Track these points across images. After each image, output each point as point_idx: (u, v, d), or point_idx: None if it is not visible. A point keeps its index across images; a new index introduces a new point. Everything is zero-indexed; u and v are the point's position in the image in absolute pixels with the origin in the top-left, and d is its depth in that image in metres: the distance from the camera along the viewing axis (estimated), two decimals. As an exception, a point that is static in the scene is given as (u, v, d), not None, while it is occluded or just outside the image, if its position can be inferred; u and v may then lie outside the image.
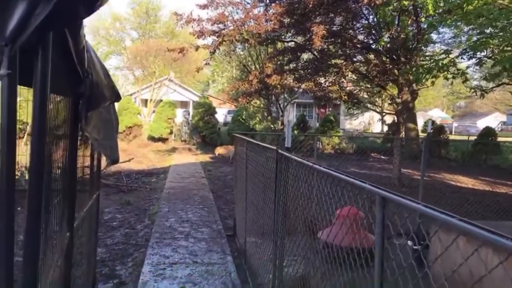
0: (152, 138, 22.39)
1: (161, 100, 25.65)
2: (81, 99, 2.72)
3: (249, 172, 5.29)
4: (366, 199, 1.97)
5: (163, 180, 11.76)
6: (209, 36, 12.75)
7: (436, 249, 4.33)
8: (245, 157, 5.54)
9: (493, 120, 44.58)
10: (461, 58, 10.35)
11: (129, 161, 12.77)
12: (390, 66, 12.60)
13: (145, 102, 32.88)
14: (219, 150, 18.06)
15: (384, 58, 13.09)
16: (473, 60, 10.43)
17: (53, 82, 1.73)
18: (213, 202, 8.87)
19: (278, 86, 13.32)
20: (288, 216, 3.53)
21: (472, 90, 10.88)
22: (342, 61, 13.53)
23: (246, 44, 14.40)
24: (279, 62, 13.95)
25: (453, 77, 9.56)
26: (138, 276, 4.70)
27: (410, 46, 12.34)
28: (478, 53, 9.63)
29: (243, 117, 19.51)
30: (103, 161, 4.56)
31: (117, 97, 3.98)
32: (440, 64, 9.22)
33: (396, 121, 15.33)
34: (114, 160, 4.35)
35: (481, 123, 37.93)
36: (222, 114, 32.92)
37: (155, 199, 9.08)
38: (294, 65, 14.09)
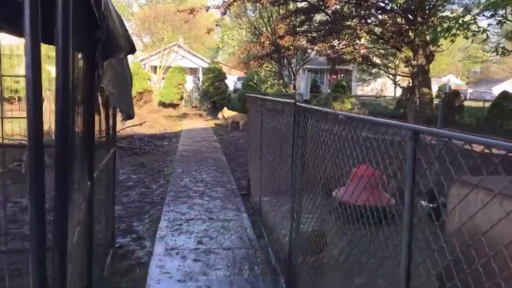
0: (163, 104, 22.34)
1: (170, 67, 25.38)
2: (97, 46, 2.64)
3: (264, 130, 5.23)
4: (395, 138, 1.89)
5: (176, 143, 11.80)
6: (220, -4, 12.38)
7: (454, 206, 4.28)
8: (259, 115, 5.47)
9: (509, 86, 43.50)
10: (482, 15, 9.92)
11: (141, 125, 12.78)
12: (406, 27, 12.18)
13: (154, 69, 32.59)
14: (226, 114, 15.82)
15: (399, 19, 12.64)
16: (493, 20, 10.02)
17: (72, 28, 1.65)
18: (226, 164, 8.89)
19: (291, 47, 13.03)
20: (306, 169, 3.48)
21: (493, 50, 10.50)
22: (357, 22, 13.11)
23: (258, 5, 14.00)
24: (291, 24, 13.58)
25: (474, 35, 9.19)
26: (155, 231, 4.76)
27: (427, 6, 11.87)
28: (499, 10, 9.22)
29: (254, 81, 19.25)
30: (118, 117, 4.52)
31: (132, 49, 3.88)
32: (460, 21, 8.85)
33: (411, 84, 15.00)
34: (129, 115, 4.30)
35: (497, 90, 37.02)
36: (232, 81, 32.59)
37: (169, 161, 9.12)
38: (307, 26, 13.70)
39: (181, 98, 23.01)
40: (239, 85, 29.70)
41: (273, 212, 4.46)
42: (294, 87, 18.54)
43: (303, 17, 13.10)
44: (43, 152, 1.39)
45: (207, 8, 12.66)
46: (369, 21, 13.13)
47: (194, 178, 7.45)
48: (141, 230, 4.88)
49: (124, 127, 11.19)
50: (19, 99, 18.16)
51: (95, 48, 2.54)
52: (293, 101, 3.85)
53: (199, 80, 26.17)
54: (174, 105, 22.47)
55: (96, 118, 2.98)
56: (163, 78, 25.38)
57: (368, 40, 15.81)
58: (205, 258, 4.00)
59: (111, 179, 4.30)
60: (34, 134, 1.37)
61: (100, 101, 3.33)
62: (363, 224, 2.24)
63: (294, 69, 20.41)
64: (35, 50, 1.37)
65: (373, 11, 13.00)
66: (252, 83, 19.71)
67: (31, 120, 1.36)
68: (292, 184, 3.61)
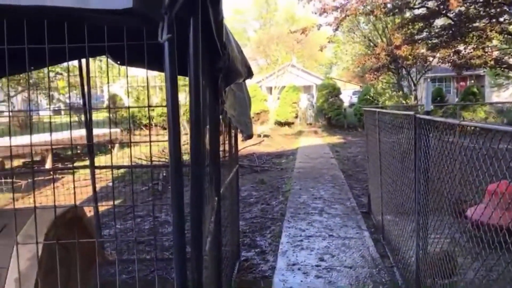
0: (279, 123, 23.06)
1: (284, 87, 26.16)
2: (220, 74, 2.92)
3: (383, 144, 5.05)
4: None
5: (292, 161, 12.04)
6: (331, 13, 12.44)
7: None
8: (377, 129, 5.31)
9: None
10: None
11: (260, 144, 13.40)
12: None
13: (269, 89, 33.93)
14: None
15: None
16: None
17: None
18: (344, 181, 8.74)
19: (409, 57, 12.34)
20: (431, 185, 3.26)
21: None
22: (486, 23, 11.84)
23: (371, 17, 13.67)
24: (408, 32, 12.90)
25: None
26: (277, 246, 4.92)
27: None
28: None
29: (371, 94, 18.65)
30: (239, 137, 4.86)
31: (250, 73, 4.17)
32: None
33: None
34: (248, 135, 4.59)
35: None
36: (347, 95, 32.08)
37: (287, 178, 9.35)
38: (427, 33, 12.86)
39: (296, 116, 23.47)
40: (354, 100, 29.06)
41: (397, 230, 4.25)
42: (416, 98, 17.40)
43: (421, 24, 12.35)
44: (181, 171, 1.60)
45: (319, 27, 12.82)
46: (501, 19, 11.74)
47: (312, 195, 7.50)
48: (263, 245, 5.09)
49: (244, 147, 11.86)
50: (155, 125, 20.66)
51: (218, 76, 2.83)
52: (413, 113, 3.68)
53: (313, 97, 26.40)
54: (289, 124, 23.02)
55: (221, 138, 3.27)
56: (278, 98, 26.25)
57: (501, 40, 14.11)
58: (327, 275, 3.99)
59: (235, 195, 4.61)
60: (175, 155, 1.57)
61: (223, 123, 3.64)
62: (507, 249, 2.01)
63: (414, 79, 19.24)
64: (173, 81, 1.60)
65: (505, 7, 11.61)
66: (368, 97, 19.13)
67: (171, 143, 1.57)
68: (416, 201, 3.41)
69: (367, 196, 6.48)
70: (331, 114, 21.98)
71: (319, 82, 27.58)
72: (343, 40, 24.02)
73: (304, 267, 4.19)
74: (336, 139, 17.84)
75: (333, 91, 22.41)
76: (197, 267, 1.66)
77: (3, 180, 6.34)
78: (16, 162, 11.01)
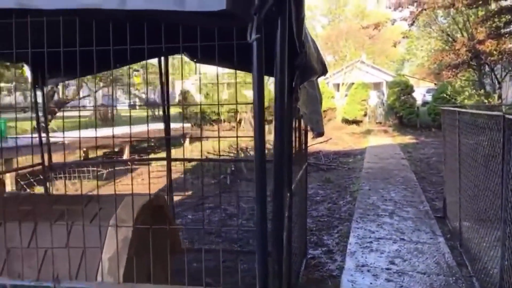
0: (346, 121, 22.54)
1: (352, 83, 25.48)
2: (296, 72, 2.93)
3: (463, 147, 4.74)
4: None
5: (361, 160, 11.73)
6: (407, 7, 11.87)
7: None
8: (457, 130, 4.99)
9: None
10: None
11: (326, 142, 13.22)
12: None
13: (337, 86, 33.29)
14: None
15: None
16: None
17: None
18: (417, 183, 8.34)
19: (494, 52, 11.40)
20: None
21: None
22: None
23: (451, 10, 12.82)
24: (494, 25, 11.91)
25: None
26: (344, 246, 4.84)
27: None
28: None
29: (448, 92, 17.49)
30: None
31: (324, 71, 4.14)
32: None
33: None
34: (319, 133, 4.56)
35: None
36: (420, 93, 30.44)
37: (355, 178, 9.14)
38: (515, 26, 11.79)
39: (365, 114, 22.76)
40: (428, 98, 27.49)
41: (477, 238, 3.98)
42: (500, 97, 16.03)
43: (509, 16, 11.32)
44: (265, 166, 1.64)
45: (393, 21, 12.30)
46: None
47: (381, 196, 7.26)
48: (331, 244, 5.04)
49: (311, 144, 11.78)
50: (223, 121, 21.24)
51: (294, 74, 2.84)
52: (501, 113, 3.42)
53: (383, 94, 25.43)
54: (357, 122, 22.40)
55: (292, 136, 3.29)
56: (346, 95, 25.66)
57: None
58: (398, 280, 3.86)
59: (303, 193, 4.61)
60: (260, 149, 1.61)
61: (295, 121, 3.66)
62: None
63: (498, 76, 17.71)
64: (260, 81, 1.64)
65: None
66: (444, 95, 17.98)
67: (257, 138, 1.61)
68: (503, 208, 3.16)
69: (443, 200, 6.12)
70: (402, 113, 21.01)
71: (390, 79, 26.47)
72: (417, 35, 22.78)
73: (373, 269, 4.09)
74: (407, 139, 17.03)
75: (406, 89, 21.38)
76: (278, 259, 1.70)
77: (90, 169, 6.92)
78: (99, 153, 11.98)
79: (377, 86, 32.43)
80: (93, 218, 2.20)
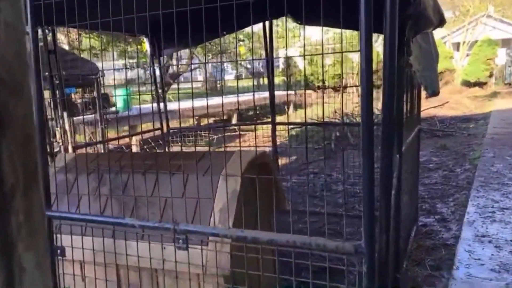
0: (467, 83, 20.25)
1: (476, 42, 22.56)
2: (408, 22, 2.69)
3: None
4: None
5: (484, 126, 10.51)
6: None
7: None
8: None
9: None
10: None
11: (442, 106, 12.09)
12: None
13: (456, 45, 29.86)
14: None
15: None
16: None
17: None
18: (555, 150, 7.21)
19: None
20: None
21: None
22: None
23: None
24: None
25: None
26: (461, 215, 4.46)
27: None
28: None
29: None
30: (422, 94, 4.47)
31: (442, 21, 3.73)
32: None
33: None
34: (434, 91, 4.17)
35: None
36: None
37: (475, 145, 8.25)
38: None
39: (491, 75, 20.16)
40: None
41: None
42: None
43: None
44: (373, 129, 1.56)
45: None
46: None
47: (509, 164, 6.44)
48: (445, 213, 4.69)
49: (424, 109, 10.90)
50: (328, 87, 20.76)
51: (405, 24, 2.60)
52: None
53: (516, 52, 22.12)
54: (481, 84, 19.97)
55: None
56: (467, 55, 22.92)
57: None
58: (525, 254, 3.44)
59: (415, 157, 4.33)
60: (367, 114, 1.53)
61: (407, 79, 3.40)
62: None
63: None
64: (368, 40, 1.54)
65: None
66: None
67: (364, 100, 1.53)
68: None
69: None
70: (538, 72, 18.11)
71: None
72: None
73: (496, 241, 3.70)
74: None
75: (544, 43, 18.27)
76: (386, 216, 1.65)
77: (202, 133, 7.45)
78: (210, 120, 12.78)
79: (506, 42, 28.22)
80: (206, 171, 2.36)
